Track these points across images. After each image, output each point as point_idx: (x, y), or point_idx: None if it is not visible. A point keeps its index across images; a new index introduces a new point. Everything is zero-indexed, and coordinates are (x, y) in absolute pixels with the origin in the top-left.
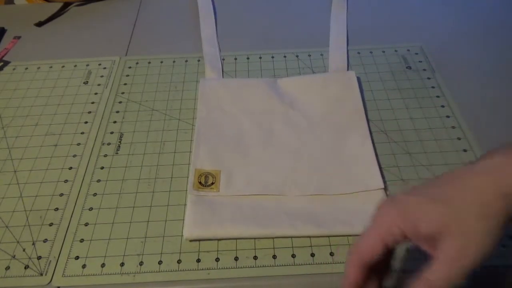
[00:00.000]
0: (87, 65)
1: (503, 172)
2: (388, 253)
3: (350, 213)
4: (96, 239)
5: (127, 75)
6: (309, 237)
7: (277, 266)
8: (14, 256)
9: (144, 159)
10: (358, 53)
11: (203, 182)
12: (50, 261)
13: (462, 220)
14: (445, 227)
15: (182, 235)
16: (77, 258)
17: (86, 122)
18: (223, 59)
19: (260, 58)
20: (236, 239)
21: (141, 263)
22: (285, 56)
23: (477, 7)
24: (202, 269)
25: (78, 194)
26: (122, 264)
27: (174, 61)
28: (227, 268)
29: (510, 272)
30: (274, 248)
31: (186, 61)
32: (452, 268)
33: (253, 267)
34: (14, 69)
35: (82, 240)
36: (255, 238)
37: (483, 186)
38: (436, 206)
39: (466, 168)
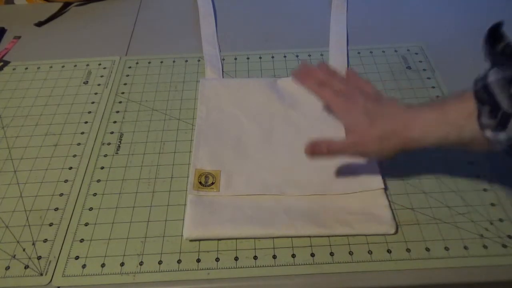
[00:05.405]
0: (87, 65)
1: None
2: None
3: (350, 213)
4: (96, 239)
5: (127, 75)
6: (309, 237)
7: (277, 266)
8: (14, 256)
9: (144, 159)
10: (358, 53)
11: (203, 182)
12: (50, 261)
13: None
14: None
15: (182, 235)
16: (77, 258)
17: (86, 122)
18: (223, 59)
19: (260, 58)
20: (236, 239)
21: (141, 263)
22: (285, 56)
23: (477, 7)
24: (202, 269)
25: (78, 194)
26: (122, 264)
27: (174, 61)
28: (227, 268)
29: (510, 272)
30: (274, 248)
31: (186, 61)
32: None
33: (253, 267)
34: (14, 69)
35: (82, 240)
36: (255, 238)
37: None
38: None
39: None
